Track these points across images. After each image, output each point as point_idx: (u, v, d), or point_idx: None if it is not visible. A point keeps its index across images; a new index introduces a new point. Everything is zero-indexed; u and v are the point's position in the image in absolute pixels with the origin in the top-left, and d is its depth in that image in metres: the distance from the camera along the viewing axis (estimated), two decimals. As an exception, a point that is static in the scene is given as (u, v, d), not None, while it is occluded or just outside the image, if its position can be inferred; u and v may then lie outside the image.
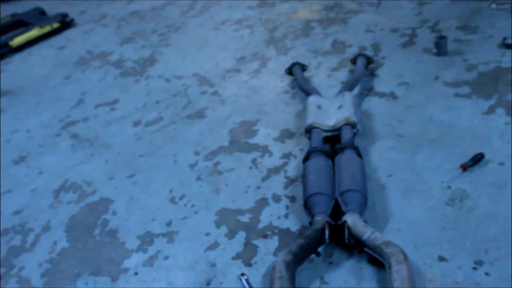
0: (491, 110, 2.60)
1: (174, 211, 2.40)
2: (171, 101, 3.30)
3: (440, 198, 2.15)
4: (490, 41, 3.19)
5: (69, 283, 2.18)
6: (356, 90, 2.93)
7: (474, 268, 1.83)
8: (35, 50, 4.69)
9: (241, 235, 2.18)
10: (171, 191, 2.53)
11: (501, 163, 2.27)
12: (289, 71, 3.20)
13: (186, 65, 3.70)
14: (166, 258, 2.17)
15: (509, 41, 3.07)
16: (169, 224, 2.34)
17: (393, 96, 2.86)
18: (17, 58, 4.63)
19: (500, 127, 2.48)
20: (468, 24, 3.42)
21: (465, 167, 2.25)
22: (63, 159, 3.01)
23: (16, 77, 4.26)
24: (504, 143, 2.38)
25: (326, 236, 1.92)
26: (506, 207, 2.05)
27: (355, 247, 1.97)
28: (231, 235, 2.20)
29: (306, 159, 2.36)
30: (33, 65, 4.41)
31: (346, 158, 2.28)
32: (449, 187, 2.19)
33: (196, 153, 2.76)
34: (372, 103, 2.84)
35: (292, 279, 1.82)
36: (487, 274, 1.81)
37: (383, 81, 3.01)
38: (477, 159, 2.28)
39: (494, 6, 3.59)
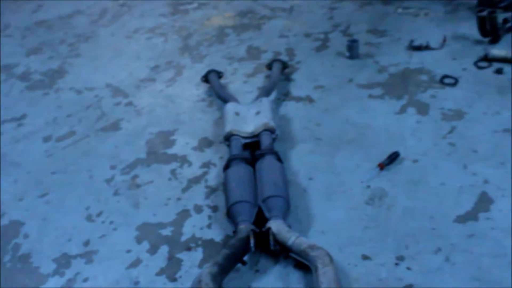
0: (403, 110, 2.69)
1: (92, 230, 2.28)
2: (83, 113, 3.15)
3: (360, 198, 2.18)
4: (399, 43, 3.32)
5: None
6: (273, 95, 2.94)
7: (396, 264, 1.87)
8: None
9: (164, 250, 2.11)
10: (87, 208, 2.41)
11: (415, 160, 2.34)
12: (205, 79, 3.15)
13: (98, 75, 3.56)
14: (86, 280, 2.04)
15: (415, 43, 3.20)
16: (87, 243, 2.21)
17: (309, 99, 2.89)
18: None
19: (412, 126, 2.57)
20: (377, 28, 3.54)
21: (382, 166, 2.30)
22: (-33, 181, 2.79)
23: None
24: (416, 141, 2.47)
25: (252, 244, 1.89)
26: (422, 203, 2.12)
27: (281, 253, 1.95)
28: (153, 250, 2.11)
29: (226, 167, 2.32)
30: None
31: (267, 164, 2.27)
32: (369, 186, 2.23)
33: (112, 167, 2.64)
34: (290, 108, 2.85)
35: (219, 291, 1.78)
36: (408, 268, 1.85)
37: (299, 85, 3.04)
38: (393, 157, 2.34)
39: (400, 10, 3.74)
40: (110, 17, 4.50)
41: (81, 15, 4.69)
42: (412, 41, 3.22)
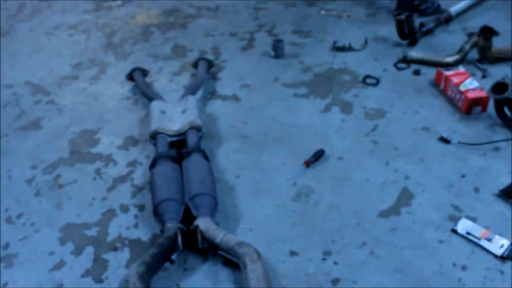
0: (327, 109, 2.77)
1: (12, 232, 2.18)
2: (1, 112, 3.01)
3: (287, 195, 2.22)
4: (323, 44, 3.40)
5: None
6: (199, 93, 2.93)
7: (323, 259, 1.92)
8: None
9: (89, 250, 2.05)
10: (6, 210, 2.30)
11: (340, 158, 2.41)
12: (130, 77, 3.10)
13: (16, 72, 3.40)
14: (5, 285, 1.95)
15: (338, 44, 3.30)
16: (6, 246, 2.11)
17: (235, 98, 2.91)
18: None
19: (336, 124, 2.65)
20: (302, 29, 3.61)
21: (308, 164, 2.36)
22: None
23: None
24: (341, 138, 2.54)
25: (180, 243, 1.88)
26: (347, 199, 2.19)
27: (209, 251, 1.95)
28: (78, 251, 2.05)
29: (152, 165, 2.29)
30: None
31: (194, 162, 2.26)
32: (295, 183, 2.28)
33: (33, 167, 2.54)
34: (216, 106, 2.86)
35: (147, 291, 1.76)
36: (335, 263, 1.90)
37: (225, 84, 3.05)
38: (319, 155, 2.40)
39: (323, 12, 3.83)
40: (29, 12, 4.31)
41: (-3, 9, 4.47)
42: (335, 42, 3.31)
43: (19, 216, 2.26)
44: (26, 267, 2.01)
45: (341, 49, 3.29)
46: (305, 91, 2.92)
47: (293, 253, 1.95)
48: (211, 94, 2.97)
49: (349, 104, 2.79)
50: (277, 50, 3.23)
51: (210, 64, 3.15)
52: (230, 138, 2.61)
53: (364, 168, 2.35)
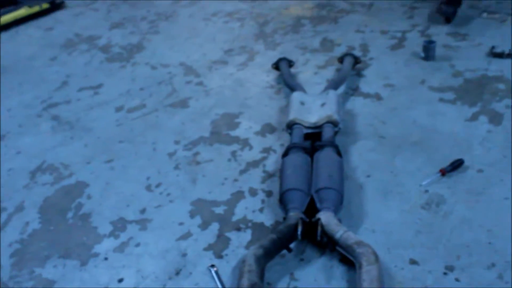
0: (474, 117, 2.60)
1: (149, 199, 2.37)
2: (155, 88, 3.26)
3: (416, 202, 2.14)
4: (479, 49, 3.20)
5: (38, 264, 2.14)
6: (341, 89, 2.92)
7: (445, 273, 1.82)
8: (22, 29, 4.62)
9: (215, 227, 2.16)
10: (148, 178, 2.50)
11: (480, 170, 2.26)
12: (276, 66, 3.18)
13: (173, 54, 3.66)
14: (137, 245, 2.14)
15: (497, 50, 3.08)
16: (143, 211, 2.31)
17: (378, 97, 2.85)
18: (4, 36, 4.55)
19: (482, 135, 2.48)
20: (458, 31, 3.42)
21: (444, 172, 2.24)
22: (42, 141, 2.96)
23: (1, 56, 4.19)
24: (484, 150, 2.38)
25: (299, 233, 1.90)
26: (481, 215, 2.04)
27: (328, 245, 1.95)
28: (204, 226, 2.17)
29: (285, 154, 2.34)
30: (19, 44, 4.34)
31: (325, 156, 2.26)
32: (427, 191, 2.18)
33: (176, 142, 2.73)
34: (357, 103, 2.83)
35: (261, 274, 1.80)
36: (457, 280, 1.80)
37: (369, 82, 3.00)
38: (457, 164, 2.27)
39: (485, 15, 3.60)
40: (192, -2, 4.60)
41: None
42: (493, 47, 3.09)
43: (157, 185, 2.44)
44: (157, 233, 2.17)
45: (500, 55, 3.05)
46: (452, 97, 2.77)
47: (413, 262, 1.87)
48: (354, 91, 2.94)
49: (500, 115, 2.60)
50: (428, 52, 3.10)
51: (357, 60, 3.12)
52: (366, 136, 2.57)
53: (506, 185, 2.18)
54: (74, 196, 2.48)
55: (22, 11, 4.69)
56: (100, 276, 2.02)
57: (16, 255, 2.21)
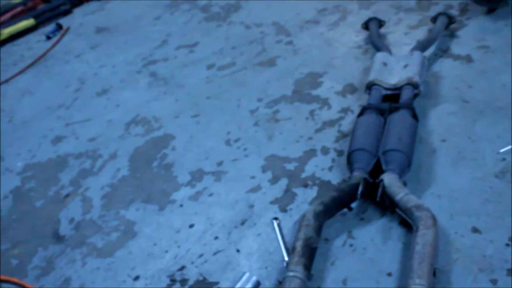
0: None
1: (227, 153, 2.50)
2: (246, 47, 3.35)
3: (490, 169, 2.05)
4: None
5: (123, 206, 2.37)
6: (431, 50, 2.81)
7: (507, 245, 1.76)
8: (133, -10, 4.90)
9: (283, 182, 2.24)
10: (228, 133, 2.62)
11: None
12: (366, 26, 3.12)
13: (268, 13, 3.71)
14: (211, 195, 2.28)
15: None
16: (220, 164, 2.44)
17: (468, 59, 2.71)
18: (115, -3, 4.87)
19: None
20: None
21: (526, 140, 2.13)
22: (139, 95, 3.19)
23: (113, 16, 4.51)
24: None
25: (359, 192, 1.93)
26: (560, 188, 1.93)
27: (389, 207, 1.96)
28: (274, 180, 2.26)
29: (360, 114, 2.34)
30: (129, 5, 4.63)
31: (399, 118, 2.23)
32: (504, 159, 2.08)
33: (259, 100, 2.81)
34: (444, 65, 2.72)
35: (318, 229, 1.85)
36: (520, 251, 1.74)
37: (462, 43, 2.85)
38: (542, 133, 2.14)
39: None
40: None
41: None
42: None
43: (236, 140, 2.56)
44: (229, 184, 2.30)
45: None
46: (552, 60, 2.57)
47: (475, 230, 1.83)
48: (443, 52, 2.82)
49: None
50: (532, 11, 2.87)
51: (451, 20, 2.97)
52: (449, 100, 2.47)
53: None
54: (160, 147, 2.67)
55: (133, -28, 4.96)
56: (175, 221, 2.20)
57: (106, 197, 2.46)
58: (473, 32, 2.93)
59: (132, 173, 2.58)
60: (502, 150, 2.12)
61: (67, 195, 2.57)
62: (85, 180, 2.64)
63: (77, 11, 4.92)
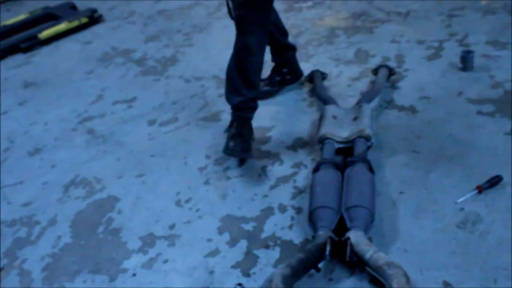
0: (514, 131, 2.50)
1: (179, 214, 2.37)
2: (188, 102, 3.27)
3: (451, 220, 2.06)
4: (520, 58, 3.08)
5: (68, 279, 2.17)
6: (375, 101, 2.85)
7: (480, 296, 1.75)
8: (62, 43, 4.72)
9: (243, 244, 2.14)
10: (178, 193, 2.50)
11: (520, 188, 2.17)
12: (309, 79, 3.14)
13: (207, 66, 3.67)
14: (165, 261, 2.13)
15: (539, 59, 2.96)
16: (172, 227, 2.31)
17: (412, 110, 2.77)
18: (44, 50, 4.67)
19: (523, 150, 2.38)
20: (499, 40, 3.30)
21: (481, 189, 2.15)
22: (77, 154, 3.01)
23: (41, 70, 4.30)
24: (525, 166, 2.28)
25: (327, 252, 1.85)
26: (521, 235, 1.95)
27: (357, 265, 1.90)
28: (232, 243, 2.15)
29: (315, 170, 2.29)
30: (58, 58, 4.44)
31: (356, 172, 2.21)
32: (462, 209, 2.10)
33: (207, 157, 2.72)
34: (390, 116, 2.76)
35: (288, 294, 1.77)
36: (493, 304, 1.72)
37: (404, 94, 2.92)
38: (495, 181, 2.17)
39: (527, 22, 3.46)
40: (226, 11, 4.60)
41: (200, 6, 4.85)
42: (536, 57, 2.98)
43: (187, 200, 2.44)
44: (185, 249, 2.17)
45: (542, 65, 2.93)
46: (492, 109, 2.66)
47: (446, 284, 1.80)
48: (388, 103, 2.87)
49: (544, 128, 2.49)
50: (466, 62, 3.00)
51: (391, 72, 3.05)
52: (400, 151, 2.50)
53: (548, 203, 2.08)
54: (105, 211, 2.50)
55: (62, 26, 4.81)
56: (128, 293, 2.03)
57: (48, 269, 2.25)
58: (413, 83, 3.01)
59: (75, 240, 2.38)
60: (459, 200, 2.14)
61: (1, 269, 2.32)
62: (21, 250, 2.40)
63: (1, 64, 4.66)
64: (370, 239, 1.93)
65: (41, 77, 4.14)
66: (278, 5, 4.33)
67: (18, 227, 2.56)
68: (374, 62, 3.30)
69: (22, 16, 5.21)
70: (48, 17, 5.14)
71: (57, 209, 2.60)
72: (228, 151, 2.51)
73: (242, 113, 2.64)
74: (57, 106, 3.62)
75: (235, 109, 2.64)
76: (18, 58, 4.65)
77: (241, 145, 2.53)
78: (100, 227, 2.41)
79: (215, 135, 2.88)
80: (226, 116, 3.03)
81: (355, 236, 1.90)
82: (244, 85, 2.56)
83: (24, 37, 4.78)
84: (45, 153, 3.10)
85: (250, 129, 2.66)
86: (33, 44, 4.72)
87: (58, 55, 4.52)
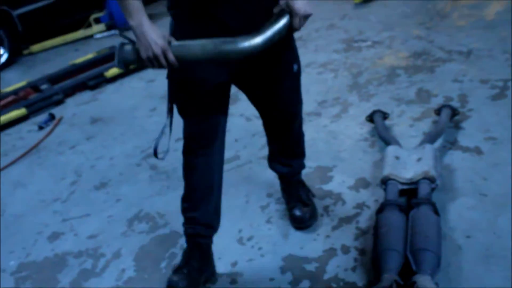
0: None
1: (241, 252, 2.39)
2: (249, 140, 3.33)
3: (523, 268, 1.99)
4: None
5: (132, 313, 2.22)
6: (438, 142, 2.81)
7: None
8: (127, 81, 4.92)
9: (305, 284, 2.13)
10: (240, 231, 2.53)
11: None
12: (370, 118, 3.14)
13: (267, 105, 3.72)
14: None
15: None
16: (234, 264, 2.33)
17: (478, 151, 2.72)
18: (110, 88, 4.88)
19: None
20: None
21: (554, 235, 2.08)
22: (140, 189, 3.10)
23: (107, 106, 4.49)
24: None
25: (393, 296, 1.83)
26: None
27: (424, 311, 1.85)
28: (295, 283, 2.15)
29: (379, 211, 2.28)
30: (123, 95, 4.63)
31: (422, 215, 2.18)
32: (534, 256, 2.03)
33: (269, 195, 2.74)
34: (455, 158, 2.71)
35: (354, 339, 1.74)
36: None
37: (468, 135, 2.87)
38: None
39: None
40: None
41: None
42: None
43: (249, 238, 2.46)
44: (247, 288, 2.18)
45: None
46: None
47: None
48: (451, 144, 2.83)
49: None
50: (533, 102, 2.93)
51: (454, 112, 3.01)
52: (466, 193, 2.45)
53: None
54: (168, 246, 2.55)
55: (127, 64, 5.00)
56: (193, 328, 2.05)
57: (112, 303, 2.30)
58: (478, 124, 2.96)
59: (139, 274, 2.43)
60: (531, 247, 2.06)
61: (67, 300, 2.40)
62: (87, 281, 2.48)
63: (70, 101, 4.90)
64: (436, 284, 1.89)
65: (107, 114, 4.31)
66: (337, 45, 4.40)
67: (84, 258, 2.64)
68: (436, 102, 3.27)
69: (89, 55, 5.48)
70: (114, 56, 5.36)
71: (121, 243, 2.68)
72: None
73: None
74: (122, 142, 3.75)
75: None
76: (86, 95, 4.87)
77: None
78: (163, 262, 2.46)
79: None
80: (287, 155, 3.06)
81: (422, 280, 1.86)
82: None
83: (92, 75, 5.03)
84: (110, 187, 3.21)
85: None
86: (100, 81, 4.95)
87: (123, 92, 4.71)
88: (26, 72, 6.36)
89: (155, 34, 1.77)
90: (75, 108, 4.68)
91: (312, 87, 3.83)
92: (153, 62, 1.81)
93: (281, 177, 2.53)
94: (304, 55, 4.37)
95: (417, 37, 4.25)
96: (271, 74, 2.13)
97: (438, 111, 3.04)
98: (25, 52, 7.08)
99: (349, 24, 4.89)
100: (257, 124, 3.44)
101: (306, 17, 1.87)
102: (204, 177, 2.21)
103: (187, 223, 2.23)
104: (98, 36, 7.20)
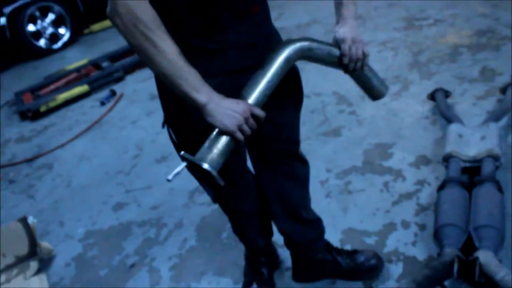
0: None
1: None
2: (308, 117, 3.34)
3: None
4: None
5: (194, 279, 2.30)
6: (504, 121, 2.75)
7: None
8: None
9: (365, 257, 2.15)
10: (299, 205, 2.56)
11: None
12: (431, 97, 3.09)
13: (326, 82, 3.72)
14: (287, 269, 2.20)
15: None
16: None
17: (545, 130, 2.65)
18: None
19: None
20: None
21: None
22: (201, 163, 3.16)
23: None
24: None
25: (455, 271, 1.83)
26: None
27: (486, 286, 1.85)
28: (354, 255, 2.17)
29: (441, 188, 2.27)
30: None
31: (485, 192, 2.15)
32: None
33: (328, 171, 2.77)
34: (521, 136, 2.66)
35: (414, 310, 1.76)
36: None
37: (535, 114, 2.80)
38: None
39: None
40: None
41: (317, 24, 4.94)
42: None
43: (309, 212, 2.49)
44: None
45: None
46: None
47: None
48: (516, 123, 2.77)
49: None
50: None
51: (521, 91, 2.93)
52: (531, 173, 2.40)
53: None
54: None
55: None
56: (253, 296, 2.11)
57: (175, 269, 2.40)
58: (546, 103, 2.87)
59: (200, 243, 2.52)
60: None
61: (132, 265, 2.51)
62: (150, 249, 2.58)
63: (130, 78, 5.03)
64: (500, 261, 1.87)
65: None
66: (398, 23, 4.33)
67: (147, 228, 2.75)
68: (501, 80, 3.18)
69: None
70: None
71: (183, 214, 2.77)
72: None
73: None
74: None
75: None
76: (146, 72, 4.98)
77: None
78: (224, 233, 2.53)
79: (336, 150, 2.93)
80: (347, 132, 3.07)
81: (484, 256, 1.85)
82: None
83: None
84: (171, 161, 3.30)
85: None
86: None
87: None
88: (87, 50, 6.55)
89: (226, 99, 1.41)
90: (135, 84, 4.81)
91: (372, 65, 3.77)
92: (244, 128, 1.40)
93: None
94: (363, 33, 4.34)
95: (482, 15, 4.12)
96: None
97: (503, 90, 2.97)
98: (86, 31, 7.29)
99: (409, 2, 4.78)
100: (316, 101, 3.48)
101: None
102: (242, 211, 2.02)
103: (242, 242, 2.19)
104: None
